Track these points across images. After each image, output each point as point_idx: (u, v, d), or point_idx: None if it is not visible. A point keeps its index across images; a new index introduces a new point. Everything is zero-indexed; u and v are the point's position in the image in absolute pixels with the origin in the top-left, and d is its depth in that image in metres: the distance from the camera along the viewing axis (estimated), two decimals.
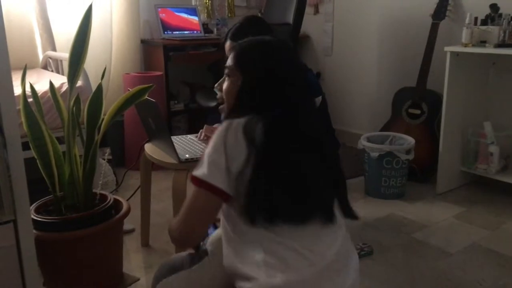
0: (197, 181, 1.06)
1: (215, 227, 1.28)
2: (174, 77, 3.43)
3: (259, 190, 1.02)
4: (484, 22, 2.57)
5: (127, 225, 2.19)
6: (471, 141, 2.75)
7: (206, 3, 3.67)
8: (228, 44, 1.94)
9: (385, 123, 3.07)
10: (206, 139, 1.99)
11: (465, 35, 2.54)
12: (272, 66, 1.15)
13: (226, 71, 1.19)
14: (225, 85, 1.18)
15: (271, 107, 1.11)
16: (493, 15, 2.55)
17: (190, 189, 1.09)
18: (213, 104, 2.93)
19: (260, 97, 1.13)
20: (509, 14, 2.47)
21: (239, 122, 1.07)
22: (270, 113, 1.09)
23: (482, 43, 2.52)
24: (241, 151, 1.04)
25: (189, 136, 2.09)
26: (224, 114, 1.20)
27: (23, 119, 1.62)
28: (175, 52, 3.25)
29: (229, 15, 3.77)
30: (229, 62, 1.18)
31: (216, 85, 1.26)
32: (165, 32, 3.33)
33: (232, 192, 1.05)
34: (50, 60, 2.86)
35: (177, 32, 3.39)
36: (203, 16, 3.66)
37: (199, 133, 2.05)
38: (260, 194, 1.02)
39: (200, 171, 1.06)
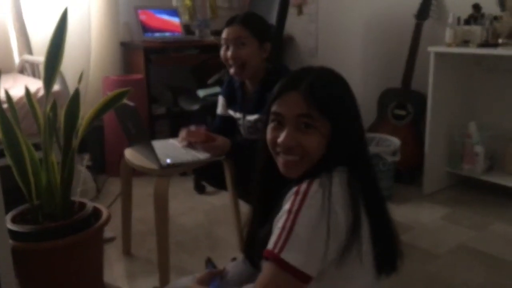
0: (286, 266, 0.88)
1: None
2: (156, 80, 3.37)
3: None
4: (467, 22, 2.57)
5: (108, 233, 2.14)
6: (456, 142, 2.75)
7: (188, 4, 3.62)
8: (237, 28, 1.84)
9: (371, 124, 3.05)
10: (190, 145, 1.92)
11: (448, 35, 2.54)
12: (355, 102, 1.04)
13: (297, 120, 0.97)
14: (307, 140, 0.97)
15: (360, 155, 1.01)
16: (476, 15, 2.55)
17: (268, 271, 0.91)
18: (196, 107, 2.89)
19: (353, 145, 1.00)
20: (492, 14, 2.48)
21: (337, 187, 0.92)
22: (363, 165, 1.00)
23: (465, 43, 2.52)
24: (346, 221, 0.91)
25: (170, 140, 2.04)
26: (296, 173, 1.00)
27: None
28: (156, 54, 3.19)
29: (211, 16, 3.72)
30: (300, 110, 0.97)
31: (281, 141, 1.00)
32: (146, 34, 3.27)
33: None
34: (27, 64, 2.78)
35: (158, 34, 3.33)
36: (185, 18, 3.60)
37: (180, 137, 1.95)
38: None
39: (292, 256, 0.88)
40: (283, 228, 0.89)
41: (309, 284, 0.91)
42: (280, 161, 1.01)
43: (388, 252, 1.02)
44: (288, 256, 0.88)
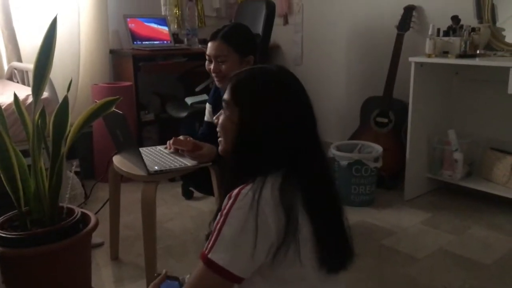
0: (213, 266, 0.94)
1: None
2: (144, 88, 3.40)
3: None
4: (446, 33, 2.65)
5: (96, 239, 2.16)
6: (436, 149, 2.82)
7: (176, 13, 3.67)
8: (218, 44, 1.91)
9: (354, 131, 3.12)
10: (176, 152, 1.97)
11: (428, 46, 2.61)
12: (272, 99, 1.03)
13: (223, 103, 1.08)
14: (221, 119, 1.08)
15: (300, 158, 1.02)
16: (455, 27, 2.64)
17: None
18: (184, 114, 2.93)
19: (263, 135, 1.02)
20: (470, 26, 2.56)
21: (268, 190, 0.95)
22: (302, 167, 1.01)
23: (445, 53, 2.60)
24: (278, 224, 0.94)
25: (158, 147, 2.08)
26: (221, 153, 1.10)
27: None
28: (145, 62, 3.23)
29: (199, 25, 3.77)
30: (225, 95, 1.08)
31: (214, 118, 1.15)
32: (135, 42, 3.31)
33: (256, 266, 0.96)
34: (16, 71, 2.80)
35: (146, 42, 3.37)
36: (173, 26, 3.65)
37: (167, 144, 2.02)
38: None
39: (219, 256, 0.93)
40: (214, 230, 0.95)
41: (239, 283, 0.96)
42: None
43: (335, 253, 1.03)
44: (215, 256, 0.93)
